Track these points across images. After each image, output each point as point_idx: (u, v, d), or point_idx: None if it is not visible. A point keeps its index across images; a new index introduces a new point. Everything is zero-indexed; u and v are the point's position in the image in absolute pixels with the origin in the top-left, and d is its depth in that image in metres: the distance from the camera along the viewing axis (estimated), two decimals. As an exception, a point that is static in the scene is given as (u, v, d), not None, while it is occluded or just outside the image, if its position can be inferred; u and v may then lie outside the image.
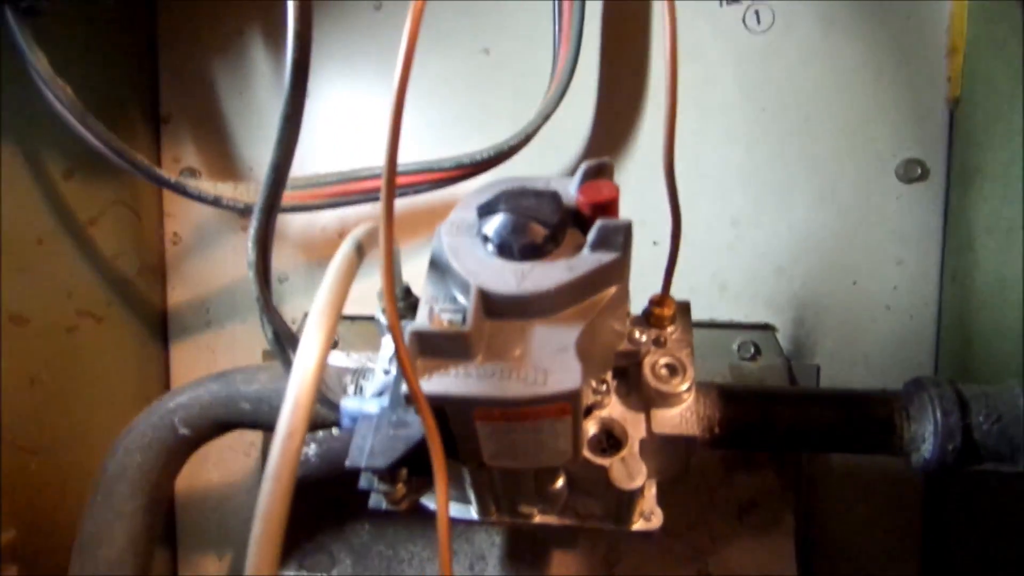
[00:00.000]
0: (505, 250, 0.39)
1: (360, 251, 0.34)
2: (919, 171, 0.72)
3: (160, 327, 0.79)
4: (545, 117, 0.64)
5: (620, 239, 0.39)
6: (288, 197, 0.64)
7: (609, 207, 0.40)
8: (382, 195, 0.31)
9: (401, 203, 0.71)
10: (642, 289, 0.47)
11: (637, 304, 0.47)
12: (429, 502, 0.47)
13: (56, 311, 0.66)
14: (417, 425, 0.39)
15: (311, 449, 0.62)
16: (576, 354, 0.37)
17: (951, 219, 0.72)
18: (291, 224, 0.78)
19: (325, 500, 0.62)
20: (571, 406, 0.38)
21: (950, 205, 0.72)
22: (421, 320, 0.37)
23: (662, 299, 0.48)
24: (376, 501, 0.43)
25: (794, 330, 0.74)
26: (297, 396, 0.27)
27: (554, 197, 0.41)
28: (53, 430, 0.64)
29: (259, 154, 0.78)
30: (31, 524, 0.59)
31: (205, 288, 0.79)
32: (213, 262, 0.79)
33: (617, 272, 0.40)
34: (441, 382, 0.36)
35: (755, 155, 0.74)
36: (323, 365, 0.28)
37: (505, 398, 0.36)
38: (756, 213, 0.74)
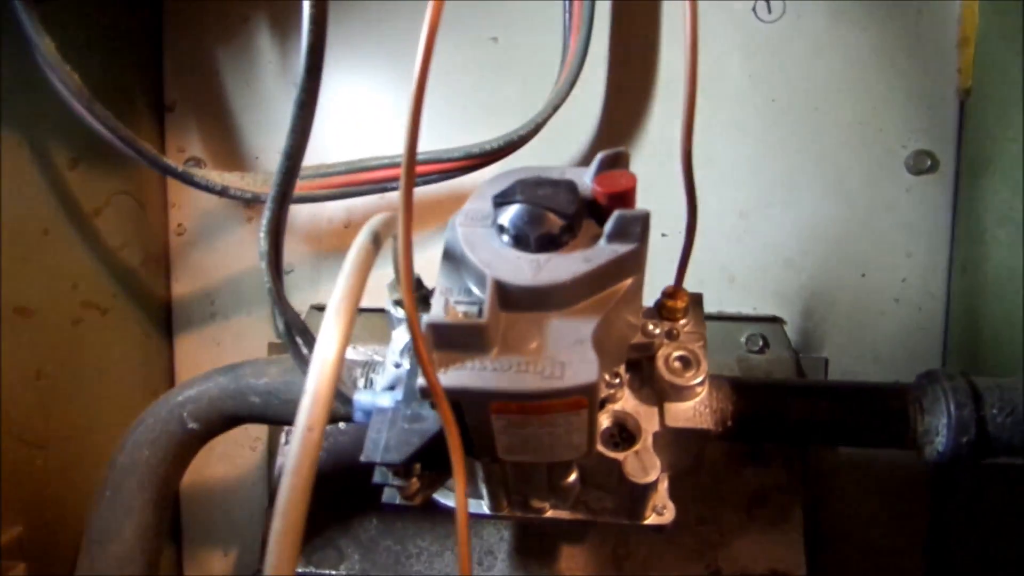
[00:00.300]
0: (521, 241, 0.39)
1: (377, 241, 0.33)
2: (929, 163, 0.72)
3: (165, 319, 0.79)
4: (555, 107, 0.63)
5: (638, 230, 0.39)
6: (296, 187, 0.63)
7: (626, 197, 0.40)
8: (401, 186, 0.30)
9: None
10: (651, 280, 0.46)
11: (647, 299, 0.47)
12: (441, 498, 0.46)
13: (61, 303, 0.65)
14: (432, 419, 0.39)
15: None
16: (593, 347, 0.37)
17: (961, 211, 0.71)
18: (297, 215, 0.77)
19: (333, 495, 0.61)
20: (587, 400, 0.37)
21: (960, 197, 0.71)
22: (436, 312, 0.37)
23: (675, 291, 0.48)
24: (390, 496, 0.42)
25: (802, 322, 0.74)
26: (317, 389, 0.27)
27: (570, 187, 0.40)
28: (59, 424, 0.63)
29: (265, 143, 0.77)
30: (38, 519, 0.58)
31: (210, 279, 0.79)
32: (218, 253, 0.78)
33: (634, 263, 0.40)
34: (458, 375, 0.35)
35: (764, 146, 0.73)
36: (343, 357, 0.28)
37: (522, 391, 0.35)
38: (765, 205, 0.74)
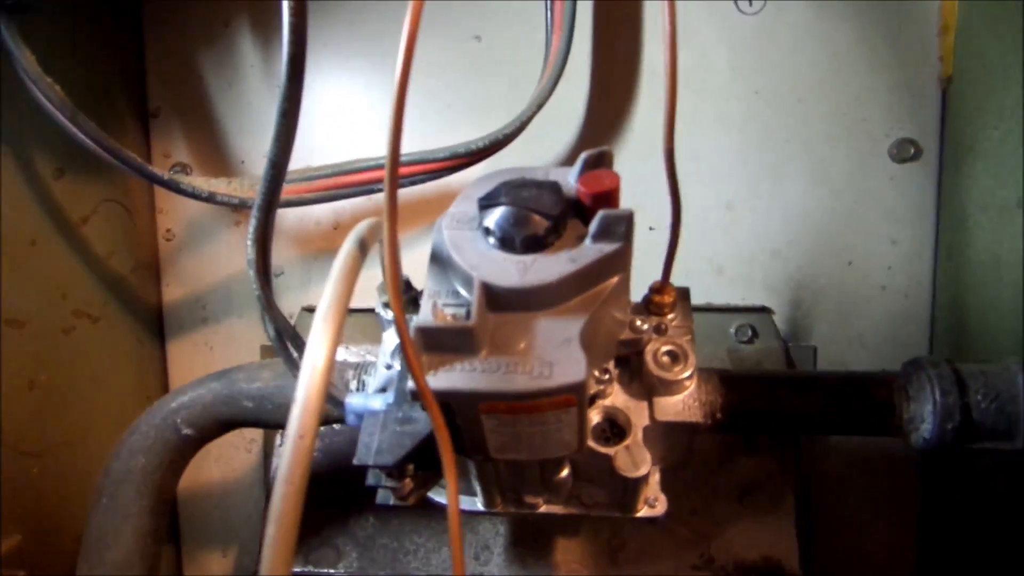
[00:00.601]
0: (507, 243, 0.39)
1: (363, 248, 0.34)
2: (912, 151, 0.72)
3: (156, 325, 0.79)
4: (539, 105, 0.63)
5: (622, 229, 0.39)
6: (283, 191, 0.63)
7: (610, 197, 0.40)
8: (385, 191, 0.31)
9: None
10: (639, 273, 0.47)
11: (636, 291, 0.47)
12: (435, 495, 0.47)
13: (52, 312, 0.65)
14: (423, 421, 0.39)
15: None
16: (580, 346, 0.37)
17: (945, 198, 0.72)
18: (285, 218, 0.77)
19: (330, 495, 0.62)
20: (576, 398, 0.38)
21: (943, 184, 0.72)
22: (425, 315, 0.37)
23: (662, 286, 0.48)
24: (384, 497, 0.43)
25: (791, 312, 0.75)
26: (307, 398, 0.27)
27: (555, 188, 0.40)
28: (53, 433, 0.64)
29: (250, 147, 0.77)
30: (35, 528, 0.59)
31: (200, 284, 0.79)
32: (207, 258, 0.79)
33: (620, 262, 0.40)
34: (447, 377, 0.36)
35: (749, 138, 0.74)
36: (331, 365, 0.28)
37: (511, 392, 0.36)
38: (751, 196, 0.74)
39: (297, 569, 0.62)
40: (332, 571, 0.62)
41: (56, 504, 0.62)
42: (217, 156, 0.78)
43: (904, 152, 0.72)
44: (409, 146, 0.64)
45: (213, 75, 0.77)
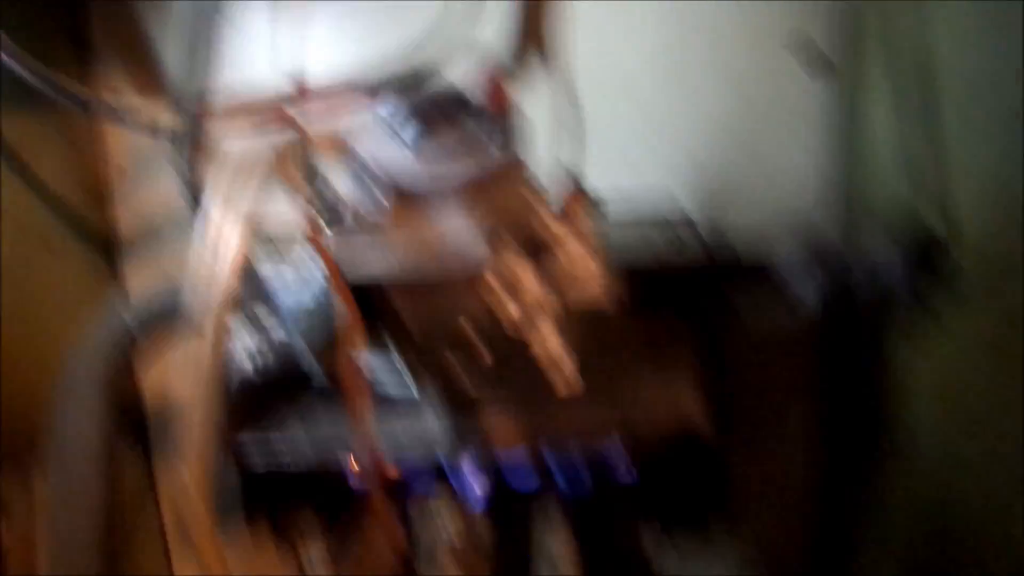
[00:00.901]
0: (417, 145, 0.43)
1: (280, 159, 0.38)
2: (823, 57, 0.75)
3: (111, 255, 0.81)
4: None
5: (520, 135, 0.44)
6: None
7: (508, 104, 0.45)
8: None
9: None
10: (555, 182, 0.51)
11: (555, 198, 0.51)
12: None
13: (5, 247, 0.67)
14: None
15: (255, 346, 0.65)
16: (483, 232, 0.42)
17: (856, 103, 0.76)
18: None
19: (279, 386, 0.65)
20: (483, 277, 0.43)
21: (852, 88, 0.76)
22: (340, 215, 0.42)
23: (575, 192, 0.53)
24: (318, 379, 0.48)
25: (710, 217, 0.79)
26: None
27: (459, 96, 0.45)
28: (12, 364, 0.66)
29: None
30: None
31: (153, 211, 0.81)
32: (159, 184, 0.81)
33: (519, 166, 0.45)
34: (360, 268, 0.41)
35: (664, 45, 0.77)
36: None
37: (419, 272, 0.41)
38: (668, 104, 0.77)
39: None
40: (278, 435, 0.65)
41: (19, 426, 0.65)
42: (160, 88, 0.79)
43: (815, 58, 0.76)
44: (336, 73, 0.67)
45: (154, 7, 0.78)
